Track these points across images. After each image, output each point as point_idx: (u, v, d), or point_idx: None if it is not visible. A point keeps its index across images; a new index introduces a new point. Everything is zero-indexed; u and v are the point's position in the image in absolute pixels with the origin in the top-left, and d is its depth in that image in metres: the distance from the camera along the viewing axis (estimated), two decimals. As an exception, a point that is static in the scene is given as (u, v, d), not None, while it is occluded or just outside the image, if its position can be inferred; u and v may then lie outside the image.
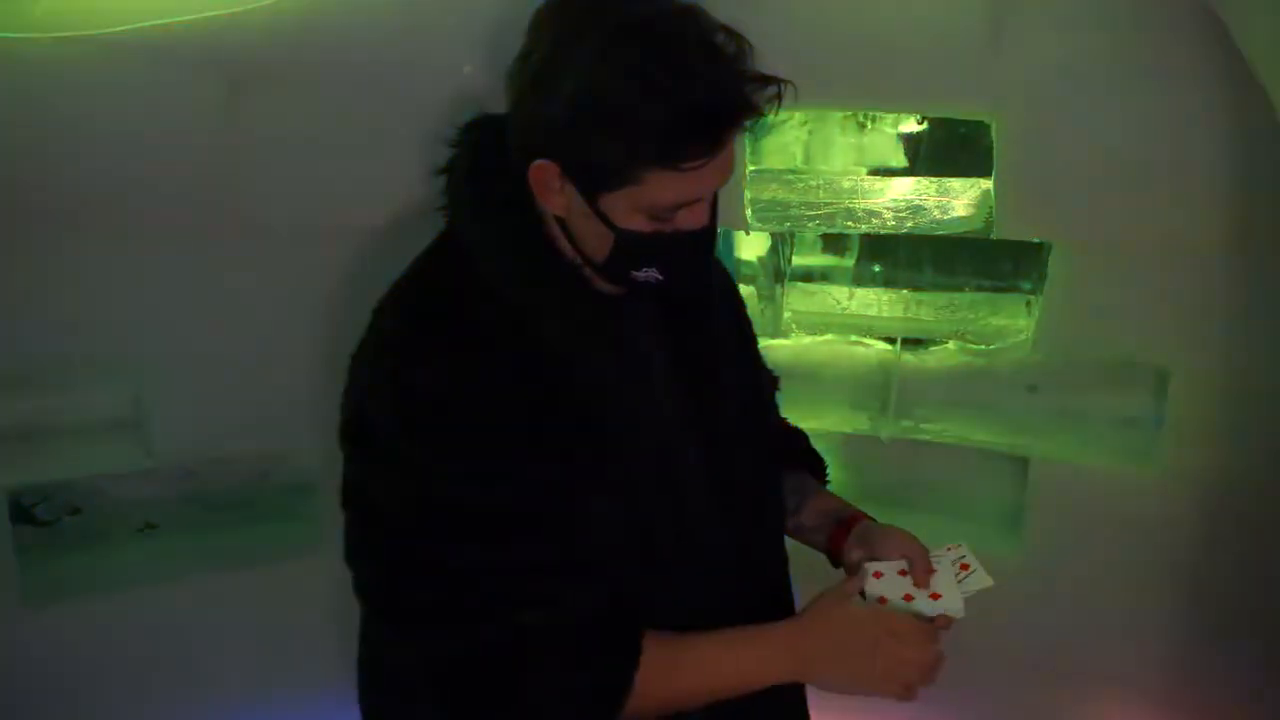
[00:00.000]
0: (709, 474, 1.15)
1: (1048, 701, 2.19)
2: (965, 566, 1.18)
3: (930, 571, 1.16)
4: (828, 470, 1.43)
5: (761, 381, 1.34)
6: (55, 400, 1.93)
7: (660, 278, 1.06)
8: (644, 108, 0.95)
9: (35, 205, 1.67)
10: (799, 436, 1.43)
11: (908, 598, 1.14)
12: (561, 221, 1.06)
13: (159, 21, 1.64)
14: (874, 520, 1.26)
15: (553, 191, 1.04)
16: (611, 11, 0.98)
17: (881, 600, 1.14)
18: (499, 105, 1.13)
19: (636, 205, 1.01)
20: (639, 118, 0.96)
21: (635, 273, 1.06)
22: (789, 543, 1.31)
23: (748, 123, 0.99)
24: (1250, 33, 1.53)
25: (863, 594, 1.15)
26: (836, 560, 1.27)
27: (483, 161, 1.11)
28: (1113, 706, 2.15)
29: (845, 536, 1.24)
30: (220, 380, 1.88)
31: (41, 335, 1.77)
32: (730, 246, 2.38)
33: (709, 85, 0.96)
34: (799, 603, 1.30)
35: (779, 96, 0.99)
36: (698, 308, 1.19)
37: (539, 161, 1.02)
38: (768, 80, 0.99)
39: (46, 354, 1.83)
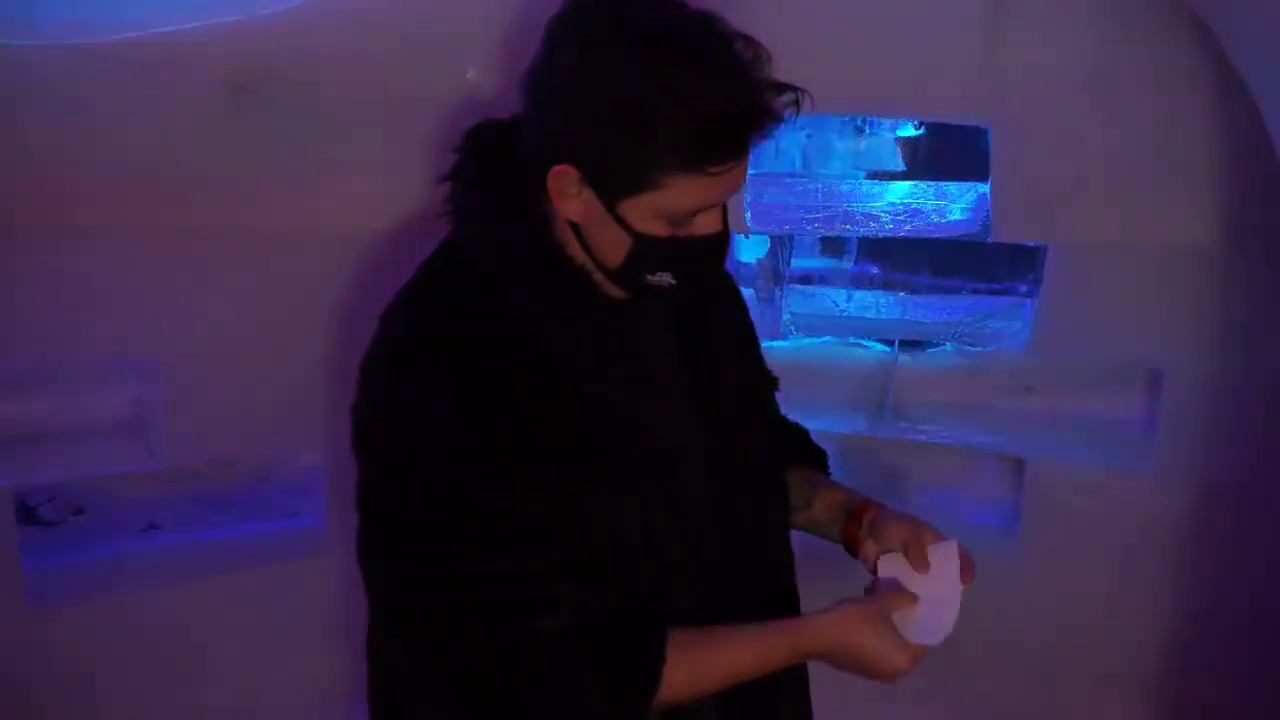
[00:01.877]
0: (714, 474, 1.17)
1: (1043, 700, 2.20)
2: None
3: (925, 562, 1.18)
4: (829, 462, 1.44)
5: (764, 382, 1.35)
6: (60, 402, 1.95)
7: (673, 282, 1.08)
8: (672, 114, 0.97)
9: (43, 208, 1.69)
10: (800, 433, 1.44)
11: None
12: (575, 226, 1.08)
13: (166, 29, 1.65)
14: (883, 507, 1.28)
15: (569, 197, 1.05)
16: (634, 19, 1.00)
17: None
18: (503, 110, 1.14)
19: (657, 210, 1.03)
20: (667, 124, 0.97)
21: (649, 277, 1.07)
22: (794, 540, 1.33)
23: (769, 129, 1.02)
24: (1239, 40, 1.55)
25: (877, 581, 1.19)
26: (853, 551, 1.28)
27: (488, 168, 1.12)
28: (1107, 705, 2.16)
29: (858, 528, 1.26)
30: (223, 382, 1.89)
31: (46, 337, 1.78)
32: (730, 249, 2.40)
33: (734, 92, 0.98)
34: (802, 600, 1.32)
35: (797, 104, 1.02)
36: (703, 310, 1.21)
37: (558, 167, 1.03)
38: (784, 88, 1.01)
39: (51, 356, 1.84)
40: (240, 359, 1.89)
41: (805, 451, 1.41)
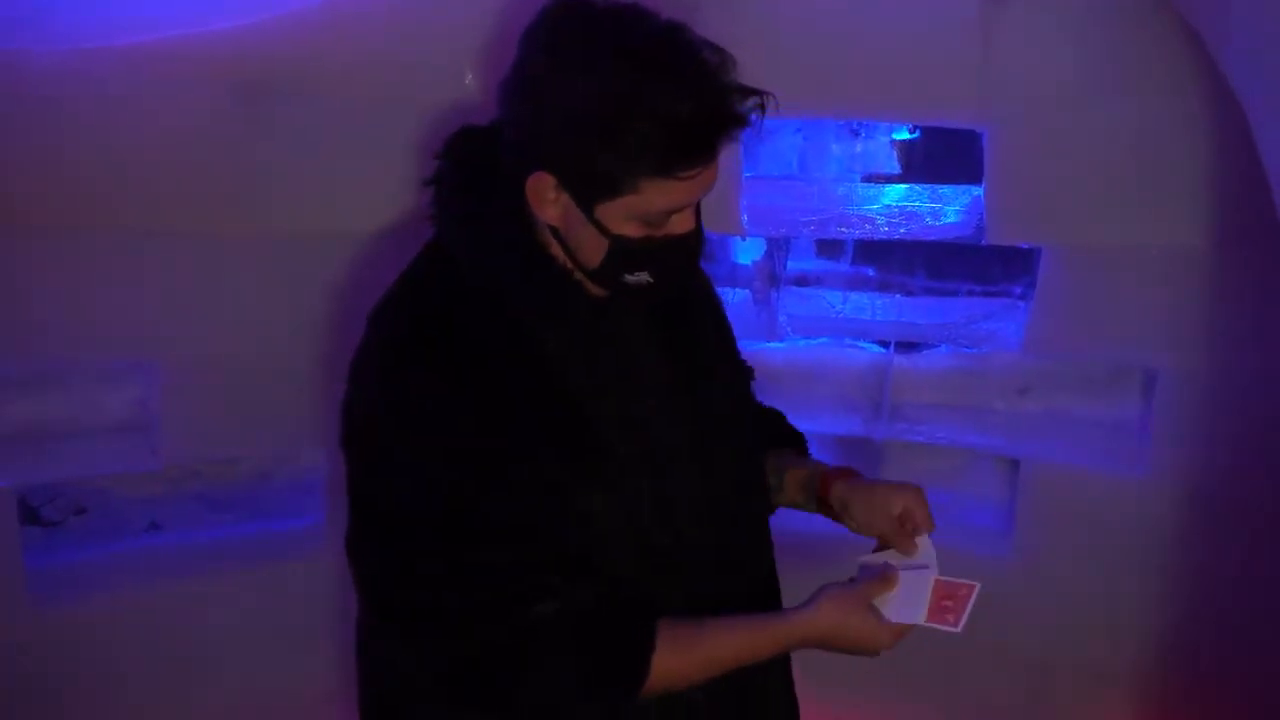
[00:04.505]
0: (700, 469, 1.19)
1: (1038, 699, 2.21)
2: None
3: (928, 521, 1.22)
4: (808, 444, 1.46)
5: (744, 375, 1.38)
6: (62, 402, 1.96)
7: (650, 280, 1.11)
8: (641, 122, 1.00)
9: (48, 209, 1.70)
10: (776, 417, 1.47)
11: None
12: (554, 229, 1.10)
13: (171, 34, 1.67)
14: (845, 481, 1.28)
15: (547, 202, 1.08)
16: (606, 28, 1.03)
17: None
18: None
19: (631, 213, 1.06)
20: (637, 132, 1.00)
21: (627, 277, 1.10)
22: (775, 537, 1.35)
23: (736, 132, 1.05)
24: (1226, 47, 1.56)
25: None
26: (831, 513, 1.30)
27: (471, 173, 1.15)
28: (1102, 704, 2.18)
29: (829, 510, 1.29)
30: (224, 383, 1.91)
31: (49, 338, 1.80)
32: (727, 251, 2.42)
33: (702, 99, 1.02)
34: (784, 593, 1.34)
35: (762, 107, 1.05)
36: (684, 307, 1.23)
37: (535, 173, 1.06)
38: (750, 92, 1.05)
39: (54, 356, 1.86)
40: (241, 359, 1.90)
41: (783, 435, 1.44)
